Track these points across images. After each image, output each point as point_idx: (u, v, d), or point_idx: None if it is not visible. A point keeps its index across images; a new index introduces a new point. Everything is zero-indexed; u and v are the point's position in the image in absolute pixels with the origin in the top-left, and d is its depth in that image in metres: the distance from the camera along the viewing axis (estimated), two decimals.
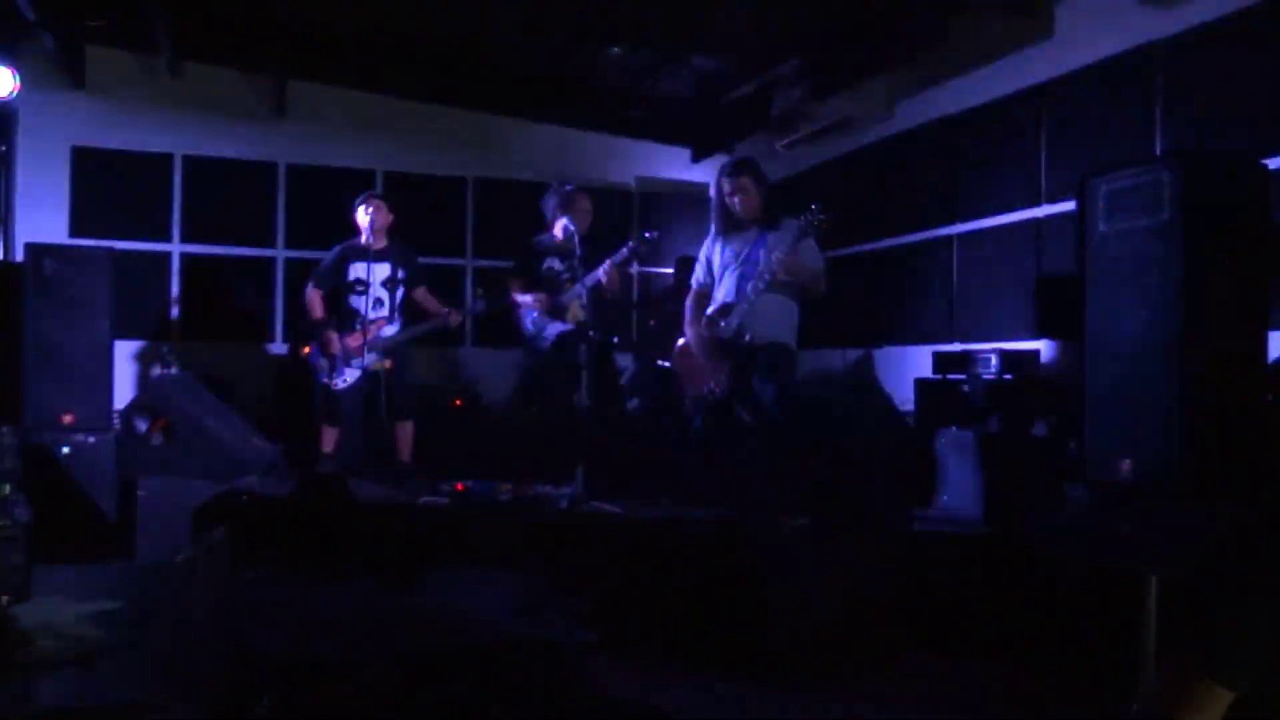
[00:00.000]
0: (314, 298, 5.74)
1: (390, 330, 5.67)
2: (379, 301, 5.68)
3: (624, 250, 5.30)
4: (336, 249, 5.77)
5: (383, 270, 5.70)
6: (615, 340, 6.24)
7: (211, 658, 1.79)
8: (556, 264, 5.58)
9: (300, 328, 6.87)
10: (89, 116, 7.06)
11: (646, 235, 5.50)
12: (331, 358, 5.60)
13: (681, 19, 6.21)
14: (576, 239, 5.26)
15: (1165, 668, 1.28)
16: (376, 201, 5.72)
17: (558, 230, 5.50)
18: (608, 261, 5.26)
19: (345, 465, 5.70)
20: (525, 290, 5.61)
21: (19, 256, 5.73)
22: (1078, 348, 3.92)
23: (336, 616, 2.33)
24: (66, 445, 5.44)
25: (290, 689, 2.00)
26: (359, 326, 5.60)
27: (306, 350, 6.77)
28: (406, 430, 5.73)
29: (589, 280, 5.25)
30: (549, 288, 5.55)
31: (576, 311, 5.45)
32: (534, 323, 5.55)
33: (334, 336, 5.61)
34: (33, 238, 5.91)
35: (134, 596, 2.22)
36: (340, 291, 5.72)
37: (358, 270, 5.66)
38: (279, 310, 7.49)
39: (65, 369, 5.58)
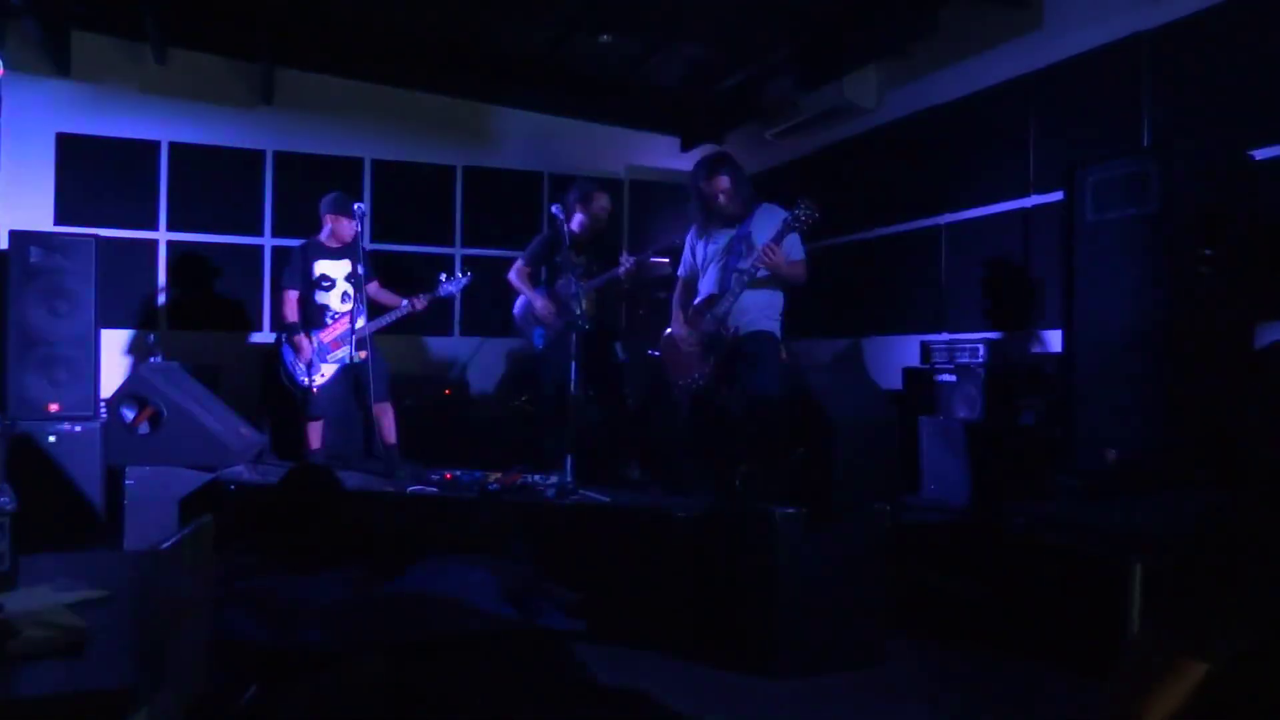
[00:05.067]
0: (291, 300, 5.73)
1: (361, 322, 5.65)
2: (345, 295, 5.74)
3: (649, 252, 5.39)
4: (298, 247, 5.81)
5: (345, 266, 5.75)
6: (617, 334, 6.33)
7: (197, 646, 1.78)
8: (572, 256, 5.61)
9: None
10: (74, 103, 7.01)
11: (676, 240, 5.56)
12: (308, 361, 5.61)
13: (671, 7, 6.19)
14: (593, 235, 5.50)
15: (1137, 641, 1.30)
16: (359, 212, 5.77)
17: (575, 225, 5.60)
18: (631, 260, 5.41)
19: (333, 456, 5.72)
20: (532, 281, 5.67)
21: (3, 244, 5.69)
22: (1065, 337, 3.94)
23: (323, 605, 2.33)
24: (53, 434, 5.43)
25: (276, 678, 2.00)
26: (330, 321, 5.66)
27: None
28: (387, 412, 5.74)
29: (609, 276, 5.42)
30: (559, 278, 5.62)
31: (587, 307, 5.49)
32: (542, 311, 5.59)
33: (305, 339, 5.61)
34: (17, 225, 5.87)
35: (120, 585, 2.21)
36: (306, 288, 5.75)
37: (322, 267, 5.72)
38: (266, 299, 7.47)
39: (51, 357, 5.55)
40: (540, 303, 5.60)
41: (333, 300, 5.71)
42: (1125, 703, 1.29)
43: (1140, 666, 1.29)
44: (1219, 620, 1.23)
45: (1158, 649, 1.26)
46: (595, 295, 5.53)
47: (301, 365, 5.61)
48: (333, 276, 5.73)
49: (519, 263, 5.74)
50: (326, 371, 5.63)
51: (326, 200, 5.82)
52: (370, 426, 5.85)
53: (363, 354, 5.52)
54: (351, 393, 5.72)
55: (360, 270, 5.74)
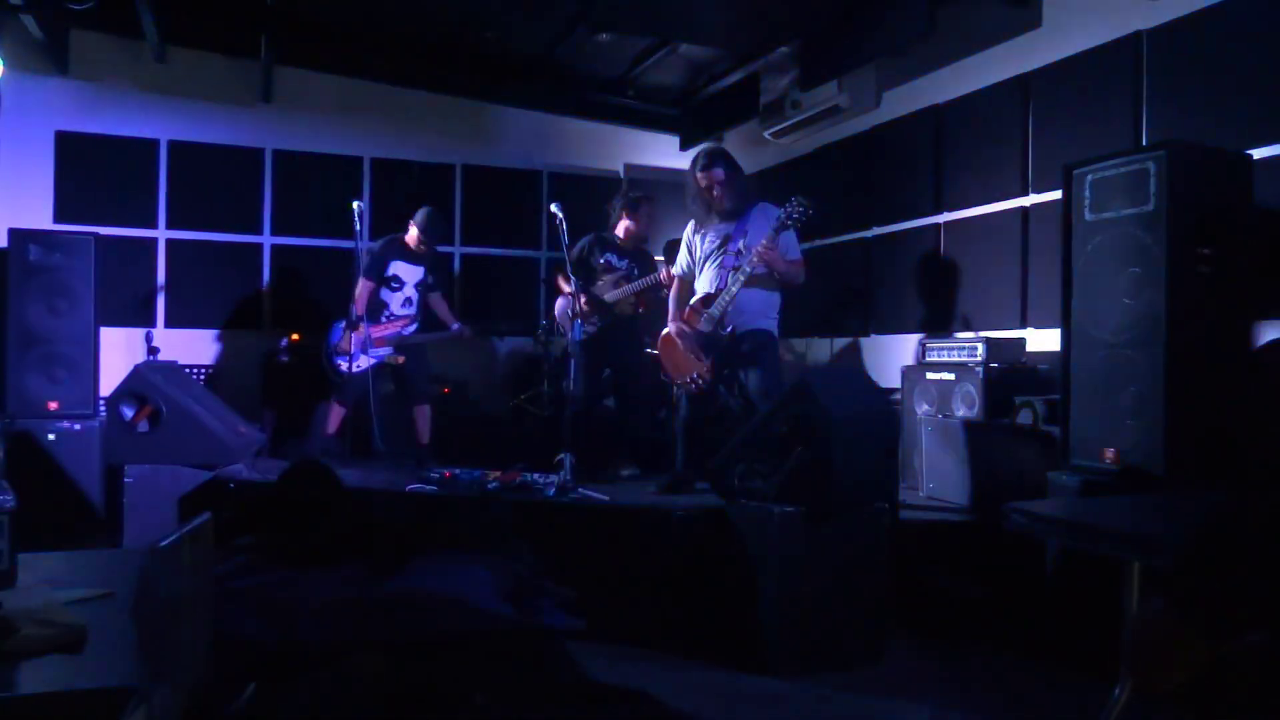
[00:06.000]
0: (365, 291, 5.89)
1: (411, 330, 5.91)
2: (408, 300, 5.97)
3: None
4: (382, 242, 5.94)
5: (418, 273, 6.00)
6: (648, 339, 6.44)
7: (196, 644, 1.79)
8: (614, 259, 5.75)
9: (299, 317, 6.94)
10: (73, 101, 7.01)
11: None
12: (350, 350, 5.76)
13: (670, 6, 6.19)
14: (636, 241, 5.76)
15: (1153, 619, 1.32)
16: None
17: (620, 230, 5.80)
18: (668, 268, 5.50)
19: (346, 448, 5.86)
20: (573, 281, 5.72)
21: (3, 242, 5.69)
22: (1063, 336, 3.94)
23: (322, 603, 2.33)
24: (52, 432, 5.44)
25: (276, 676, 2.00)
26: (385, 319, 5.85)
27: (295, 337, 6.79)
28: (424, 414, 6.00)
29: (649, 280, 5.57)
30: (598, 280, 5.75)
31: (625, 309, 5.72)
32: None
33: (363, 330, 5.78)
34: (17, 224, 5.87)
35: (120, 583, 2.21)
36: (378, 282, 5.93)
37: (397, 268, 5.90)
38: (265, 297, 7.47)
39: (50, 356, 5.56)
40: (581, 302, 5.65)
41: (394, 301, 5.90)
42: (1141, 674, 1.32)
43: (1156, 645, 1.31)
44: (1229, 615, 1.25)
45: (1173, 633, 1.29)
46: (634, 296, 5.70)
47: (345, 353, 5.77)
48: (404, 279, 5.94)
49: (565, 264, 5.82)
50: (364, 364, 5.78)
51: (423, 215, 5.99)
52: (402, 425, 6.01)
53: (400, 359, 5.76)
54: (367, 392, 5.78)
55: (430, 280, 6.01)
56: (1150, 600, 1.33)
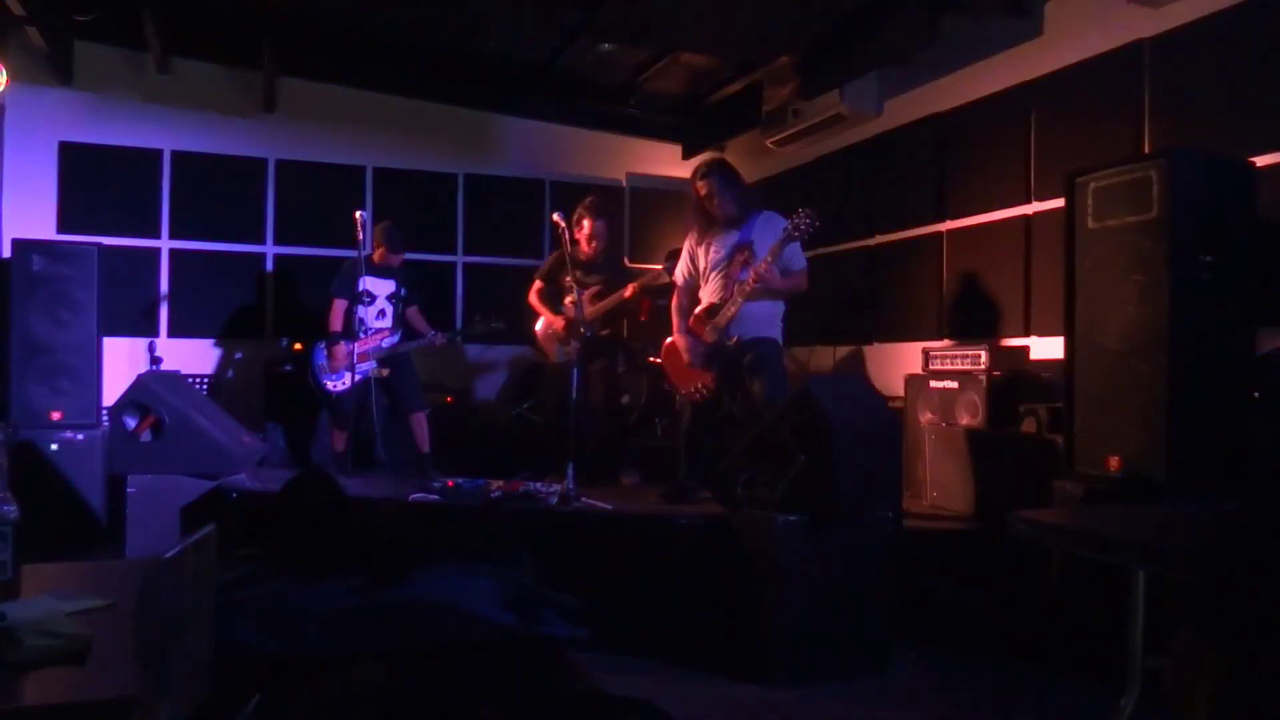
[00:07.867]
0: (338, 309, 5.95)
1: (390, 341, 5.95)
2: (382, 313, 6.00)
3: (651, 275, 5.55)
4: (351, 259, 5.94)
5: (388, 286, 6.02)
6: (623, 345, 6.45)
7: (200, 655, 1.78)
8: (582, 275, 5.69)
9: (302, 327, 6.96)
10: (77, 112, 7.03)
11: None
12: (338, 369, 5.84)
13: (672, 15, 6.20)
14: (603, 253, 5.70)
15: (1182, 641, 1.33)
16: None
17: (584, 244, 5.70)
18: (633, 286, 5.54)
19: (349, 459, 5.89)
20: (543, 298, 5.83)
21: (6, 253, 5.70)
22: (1067, 344, 3.94)
23: (326, 612, 2.33)
24: (55, 442, 5.44)
25: (280, 686, 1.99)
26: (363, 335, 5.87)
27: (298, 347, 6.81)
28: (421, 422, 6.00)
29: (616, 299, 5.57)
30: (565, 296, 5.73)
31: (598, 325, 5.69)
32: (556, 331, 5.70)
33: (344, 348, 5.84)
34: (20, 234, 5.89)
35: (123, 594, 2.21)
36: (350, 300, 5.94)
37: (367, 283, 5.89)
38: (268, 307, 7.47)
39: (53, 366, 5.57)
40: (554, 323, 5.68)
41: (369, 315, 5.93)
42: (1180, 695, 1.32)
43: (1187, 665, 1.31)
44: (1245, 621, 1.25)
45: (1203, 657, 1.29)
46: (604, 314, 5.67)
47: (330, 372, 5.75)
48: (375, 293, 5.96)
49: (536, 283, 5.85)
50: (348, 381, 5.83)
51: (381, 228, 6.06)
52: (400, 435, 6.04)
53: (385, 371, 5.80)
54: (367, 404, 5.80)
55: (403, 292, 6.06)
56: (1181, 630, 1.33)
